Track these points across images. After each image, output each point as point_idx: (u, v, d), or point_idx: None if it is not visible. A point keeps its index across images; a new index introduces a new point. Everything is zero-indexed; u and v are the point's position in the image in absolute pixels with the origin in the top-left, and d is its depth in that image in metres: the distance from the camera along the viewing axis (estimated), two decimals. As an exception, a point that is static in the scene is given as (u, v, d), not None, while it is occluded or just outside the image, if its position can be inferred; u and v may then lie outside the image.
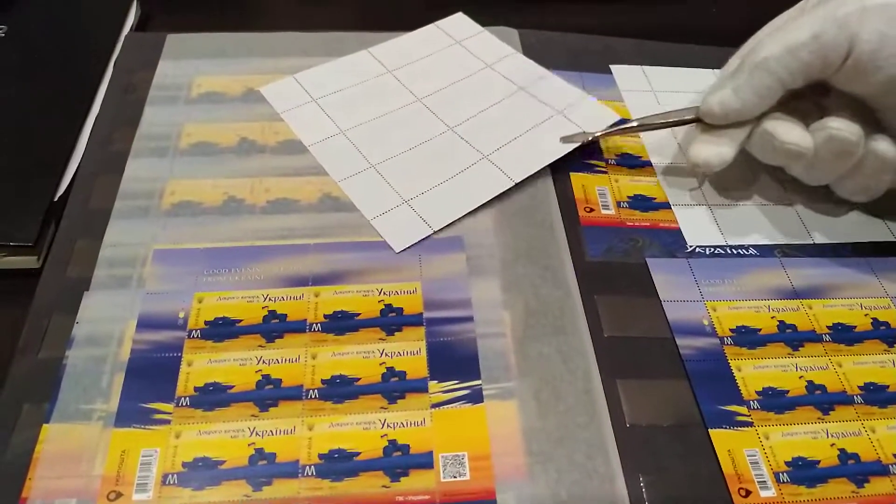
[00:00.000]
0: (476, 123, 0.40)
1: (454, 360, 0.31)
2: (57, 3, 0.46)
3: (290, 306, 0.32)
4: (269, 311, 0.32)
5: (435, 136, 0.40)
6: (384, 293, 0.33)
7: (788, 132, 0.34)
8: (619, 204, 0.38)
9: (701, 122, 0.37)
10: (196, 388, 0.29)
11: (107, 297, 0.32)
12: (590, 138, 0.39)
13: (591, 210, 0.38)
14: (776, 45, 0.33)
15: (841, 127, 0.33)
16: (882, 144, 0.34)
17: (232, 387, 0.30)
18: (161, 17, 0.49)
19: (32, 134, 0.39)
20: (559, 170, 0.39)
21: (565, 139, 0.39)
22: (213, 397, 0.29)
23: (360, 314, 0.32)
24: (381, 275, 0.34)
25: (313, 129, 0.40)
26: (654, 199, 0.39)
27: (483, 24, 0.47)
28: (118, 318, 0.31)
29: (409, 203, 0.36)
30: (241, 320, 0.32)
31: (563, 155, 0.39)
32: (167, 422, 0.28)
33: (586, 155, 0.40)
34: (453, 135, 0.39)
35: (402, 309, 0.32)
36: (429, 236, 0.35)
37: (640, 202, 0.39)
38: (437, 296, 0.33)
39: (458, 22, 0.47)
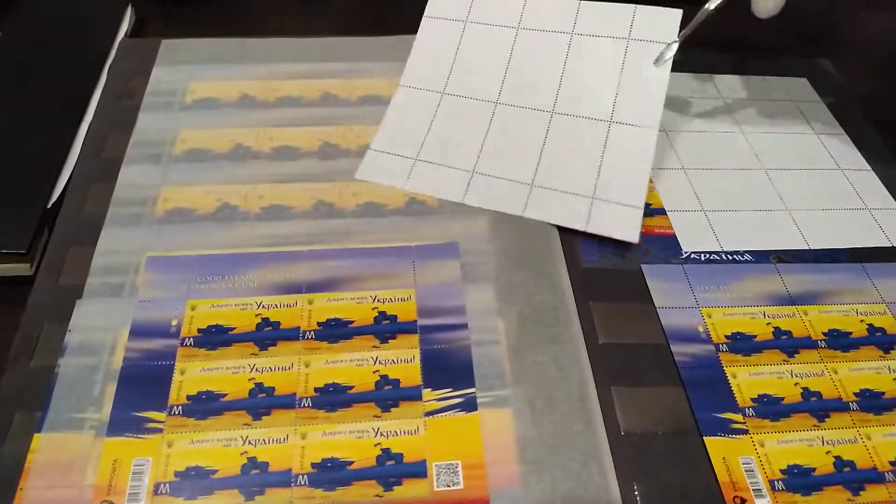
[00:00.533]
0: (568, 93, 0.39)
1: (448, 368, 0.31)
2: (52, 9, 0.46)
3: (283, 314, 0.32)
4: (263, 319, 0.32)
5: (545, 126, 0.39)
6: (378, 300, 0.33)
7: None
8: (614, 210, 0.38)
9: None
10: (189, 397, 0.29)
11: (99, 305, 0.32)
12: (676, 48, 0.38)
13: (586, 216, 0.38)
14: None
15: None
16: None
17: (225, 395, 0.29)
18: (156, 23, 0.49)
19: (26, 140, 0.38)
20: (554, 175, 0.39)
21: (658, 63, 0.38)
22: (205, 406, 0.29)
23: (353, 322, 0.32)
24: (375, 282, 0.33)
25: (445, 186, 0.38)
26: (650, 204, 0.39)
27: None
28: (111, 326, 0.31)
29: (596, 199, 0.36)
30: (234, 328, 0.31)
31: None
32: (159, 430, 0.28)
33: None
34: (560, 117, 0.38)
35: (396, 316, 0.32)
36: (643, 215, 0.36)
37: (636, 208, 0.38)
38: (431, 303, 0.33)
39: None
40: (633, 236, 0.35)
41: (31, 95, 0.41)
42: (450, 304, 0.33)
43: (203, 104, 0.41)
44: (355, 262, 0.34)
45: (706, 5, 0.38)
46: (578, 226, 0.36)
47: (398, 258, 0.34)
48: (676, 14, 0.39)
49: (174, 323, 0.32)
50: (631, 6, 0.40)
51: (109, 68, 0.43)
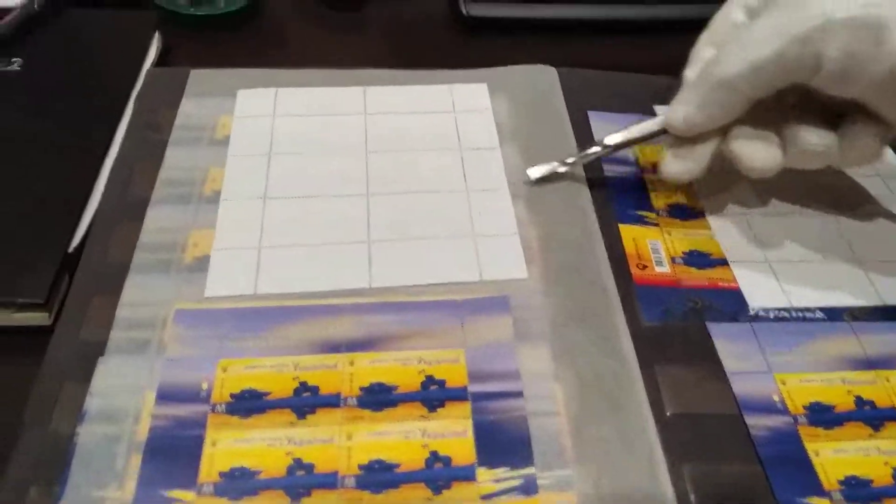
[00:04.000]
0: (395, 203, 0.36)
1: (504, 443, 0.28)
2: (76, 35, 0.44)
3: (322, 377, 0.30)
4: (301, 383, 0.29)
5: (346, 194, 0.36)
6: (424, 362, 0.30)
7: (753, 155, 0.33)
8: (673, 260, 0.35)
9: (668, 133, 0.34)
10: (221, 474, 0.27)
11: (123, 364, 0.30)
12: (564, 168, 0.37)
13: (645, 267, 0.35)
14: (739, 61, 0.31)
15: (813, 141, 0.32)
16: (857, 132, 0.32)
17: (260, 472, 0.27)
18: (183, 51, 0.47)
19: (46, 178, 0.36)
20: (606, 220, 0.36)
21: (537, 171, 0.37)
22: (239, 484, 0.26)
23: (398, 387, 0.29)
24: (422, 340, 0.31)
25: (246, 141, 0.38)
26: (711, 254, 0.36)
27: (520, 60, 0.44)
28: (135, 387, 0.29)
29: (261, 250, 0.33)
30: (269, 392, 0.29)
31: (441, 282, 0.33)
32: (188, 511, 0.26)
33: (634, 205, 0.38)
34: (363, 202, 0.36)
35: (444, 381, 0.30)
36: (245, 295, 0.32)
37: (696, 258, 0.36)
38: (482, 366, 0.30)
39: (473, 92, 0.42)
40: (211, 289, 0.32)
41: (51, 128, 0.38)
42: (502, 368, 0.30)
43: (233, 139, 0.39)
44: (399, 317, 0.32)
45: (605, 139, 0.36)
46: (216, 244, 0.34)
47: (445, 313, 0.32)
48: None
49: (204, 386, 0.29)
50: (516, 249, 0.35)
51: (136, 99, 0.41)
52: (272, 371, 0.30)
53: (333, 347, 0.30)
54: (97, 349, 0.30)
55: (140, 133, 0.39)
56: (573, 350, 0.31)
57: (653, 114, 0.42)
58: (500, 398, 0.29)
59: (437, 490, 0.26)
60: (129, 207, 0.36)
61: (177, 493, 0.26)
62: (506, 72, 0.44)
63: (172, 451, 0.27)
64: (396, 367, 0.30)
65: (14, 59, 0.42)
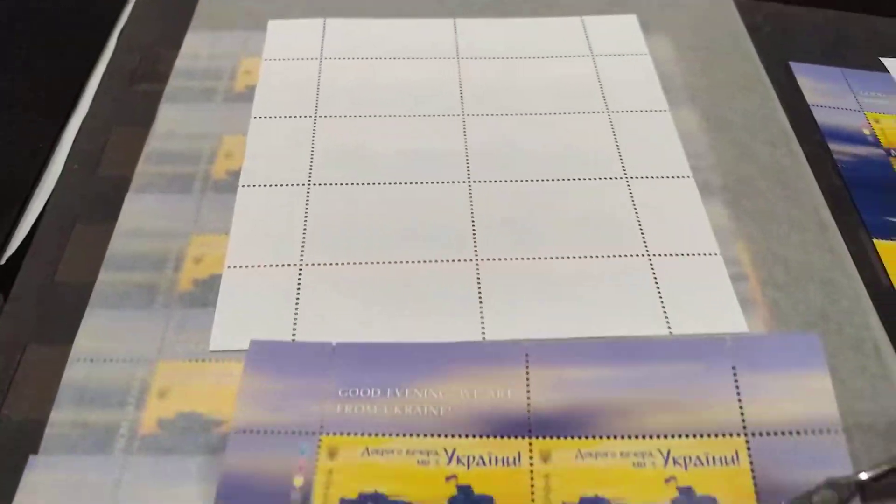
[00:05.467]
0: (512, 196, 0.23)
1: None
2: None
3: (495, 479, 0.16)
4: (460, 489, 0.16)
5: (435, 180, 0.23)
6: (674, 460, 0.17)
7: None
8: None
9: None
10: None
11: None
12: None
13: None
14: None
15: None
16: None
17: None
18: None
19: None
20: (850, 230, 0.23)
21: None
22: None
23: (626, 506, 0.15)
24: (664, 416, 0.17)
25: (280, 96, 0.26)
26: None
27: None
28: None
29: (302, 269, 0.21)
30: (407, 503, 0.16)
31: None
32: None
33: (890, 209, 0.24)
34: (462, 194, 0.23)
35: (714, 500, 0.16)
36: (289, 346, 0.19)
37: None
38: (785, 476, 0.16)
39: (618, 27, 0.29)
40: (217, 340, 0.19)
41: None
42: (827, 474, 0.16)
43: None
44: (619, 371, 0.18)
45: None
46: (228, 260, 0.21)
47: (702, 362, 0.18)
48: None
49: (298, 483, 0.16)
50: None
51: (120, 34, 0.29)
52: (411, 461, 0.16)
53: (511, 425, 0.17)
54: (32, 440, 0.17)
55: (122, 81, 0.26)
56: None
57: (880, 68, 0.30)
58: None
59: None
60: (97, 198, 0.23)
61: None
62: None
63: None
64: (624, 467, 0.16)
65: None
